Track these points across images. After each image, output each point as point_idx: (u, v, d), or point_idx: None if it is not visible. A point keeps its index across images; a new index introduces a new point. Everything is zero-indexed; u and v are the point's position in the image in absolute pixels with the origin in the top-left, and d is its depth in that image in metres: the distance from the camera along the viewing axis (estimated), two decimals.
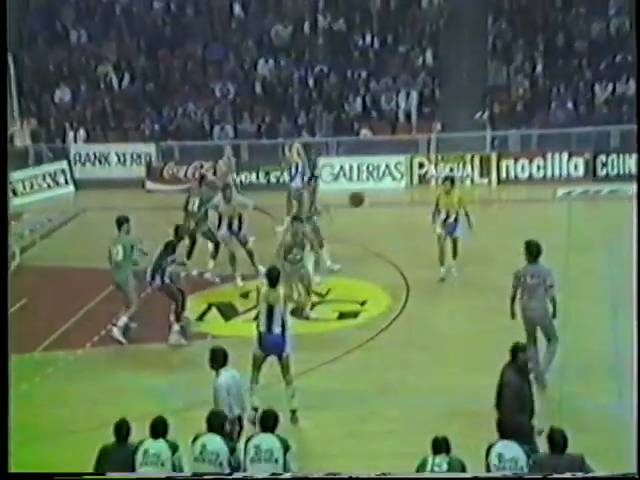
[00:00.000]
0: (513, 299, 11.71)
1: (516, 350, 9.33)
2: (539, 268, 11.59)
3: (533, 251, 11.57)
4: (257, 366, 11.12)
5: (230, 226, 16.03)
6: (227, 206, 16.02)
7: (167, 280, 13.85)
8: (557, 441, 8.09)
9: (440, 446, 8.26)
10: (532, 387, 9.35)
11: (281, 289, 11.18)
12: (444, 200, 15.57)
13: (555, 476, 7.83)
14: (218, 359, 9.72)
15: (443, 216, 15.52)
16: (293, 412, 11.12)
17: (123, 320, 13.87)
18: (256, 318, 11.27)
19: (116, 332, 13.79)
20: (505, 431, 8.35)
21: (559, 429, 8.26)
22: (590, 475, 7.86)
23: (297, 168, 19.70)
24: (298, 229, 14.68)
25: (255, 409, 10.85)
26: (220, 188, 16.79)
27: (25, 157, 24.90)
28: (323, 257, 16.09)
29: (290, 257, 14.25)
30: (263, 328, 11.03)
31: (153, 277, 13.81)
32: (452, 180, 16.04)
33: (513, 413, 8.88)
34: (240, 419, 9.63)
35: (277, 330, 10.98)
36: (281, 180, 23.11)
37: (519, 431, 8.55)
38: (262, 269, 15.35)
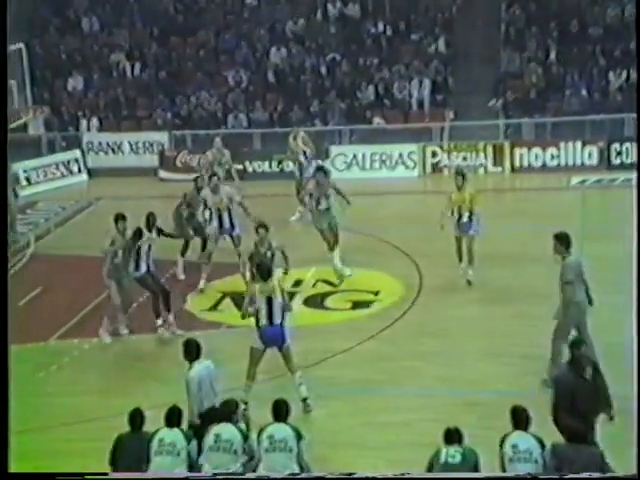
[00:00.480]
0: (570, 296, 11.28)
1: (571, 346, 9.24)
2: (577, 258, 11.52)
3: (569, 242, 11.34)
4: (255, 361, 11.12)
5: (221, 222, 15.33)
6: (214, 197, 15.30)
7: (142, 272, 13.48)
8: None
9: (452, 437, 8.26)
10: (595, 383, 9.03)
11: (274, 280, 11.20)
12: (455, 197, 15.02)
13: (553, 476, 7.81)
14: (191, 351, 9.67)
15: (456, 216, 14.99)
16: (304, 400, 11.13)
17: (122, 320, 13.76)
18: (255, 313, 11.15)
19: (122, 330, 13.70)
20: (556, 425, 8.29)
21: None
22: (590, 475, 7.81)
23: (306, 156, 19.51)
24: (264, 238, 13.50)
25: (245, 403, 10.82)
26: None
27: (38, 146, 24.96)
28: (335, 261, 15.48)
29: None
30: (264, 321, 11.05)
31: (136, 266, 13.47)
32: (463, 175, 15.16)
33: (560, 407, 8.75)
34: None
35: (277, 321, 11.05)
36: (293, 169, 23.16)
37: (566, 426, 8.42)
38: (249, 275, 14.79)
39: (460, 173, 15.31)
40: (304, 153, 19.42)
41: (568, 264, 11.27)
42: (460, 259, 15.24)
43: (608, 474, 7.86)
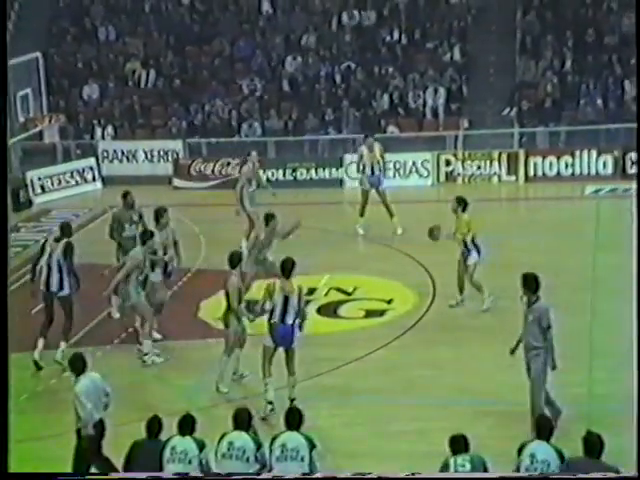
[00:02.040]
0: None
1: None
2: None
3: (538, 284, 10.48)
4: (268, 358, 11.35)
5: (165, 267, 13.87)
6: (161, 233, 13.99)
7: (70, 290, 13.21)
8: (593, 445, 7.96)
9: (459, 444, 8.20)
10: None
11: (294, 281, 11.31)
12: (456, 222, 14.41)
13: (551, 476, 7.75)
14: (77, 366, 9.79)
15: (459, 238, 14.37)
16: (291, 401, 11.26)
17: (148, 344, 12.92)
18: (269, 311, 11.34)
19: (149, 359, 12.94)
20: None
21: (596, 433, 8.09)
22: (590, 475, 7.76)
23: (380, 167, 19.04)
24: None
25: (270, 402, 11.06)
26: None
27: (54, 153, 25.06)
28: None
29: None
30: (277, 319, 11.26)
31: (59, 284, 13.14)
32: (465, 202, 14.42)
33: None
34: (102, 422, 9.61)
35: (289, 321, 11.27)
36: (307, 177, 23.21)
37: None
38: (146, 345, 13.25)
39: (461, 200, 14.54)
40: (378, 164, 19.11)
41: (548, 309, 10.50)
42: (460, 289, 14.52)
43: (608, 474, 7.80)
